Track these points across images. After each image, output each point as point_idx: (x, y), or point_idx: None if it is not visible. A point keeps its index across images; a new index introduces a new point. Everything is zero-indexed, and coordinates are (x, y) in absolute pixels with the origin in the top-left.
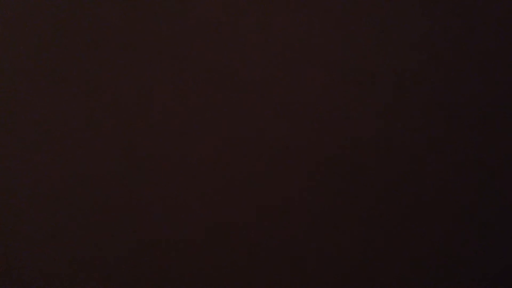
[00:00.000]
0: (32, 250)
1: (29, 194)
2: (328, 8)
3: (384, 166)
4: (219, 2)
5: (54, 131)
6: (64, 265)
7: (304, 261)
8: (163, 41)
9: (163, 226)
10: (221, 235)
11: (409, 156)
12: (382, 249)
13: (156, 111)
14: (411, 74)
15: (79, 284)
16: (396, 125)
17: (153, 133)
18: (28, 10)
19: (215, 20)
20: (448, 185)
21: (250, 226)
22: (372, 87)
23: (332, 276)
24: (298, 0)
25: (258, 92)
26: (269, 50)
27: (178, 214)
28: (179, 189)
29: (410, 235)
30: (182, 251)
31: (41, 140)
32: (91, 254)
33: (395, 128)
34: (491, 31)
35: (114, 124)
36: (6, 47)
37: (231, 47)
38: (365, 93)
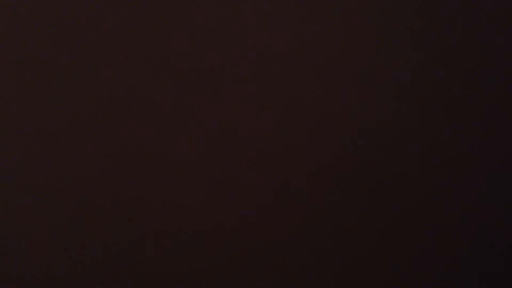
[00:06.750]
0: (32, 250)
1: (29, 193)
2: (328, 8)
3: (383, 165)
4: (219, 2)
5: (54, 130)
6: (63, 265)
7: (302, 261)
8: (162, 41)
9: (162, 226)
10: (221, 235)
11: (409, 156)
12: (382, 248)
13: (155, 110)
14: (411, 74)
15: (79, 284)
16: (396, 124)
17: (152, 132)
18: (28, 10)
19: (215, 20)
20: (448, 184)
21: (249, 226)
22: (372, 87)
23: (331, 276)
24: (298, 0)
25: (257, 91)
26: (269, 49)
27: (178, 214)
28: (179, 188)
29: (409, 234)
30: (182, 250)
31: (40, 139)
32: (90, 254)
33: (395, 127)
34: (491, 31)
35: (113, 123)
36: (6, 46)
37: (230, 47)
38: (365, 93)
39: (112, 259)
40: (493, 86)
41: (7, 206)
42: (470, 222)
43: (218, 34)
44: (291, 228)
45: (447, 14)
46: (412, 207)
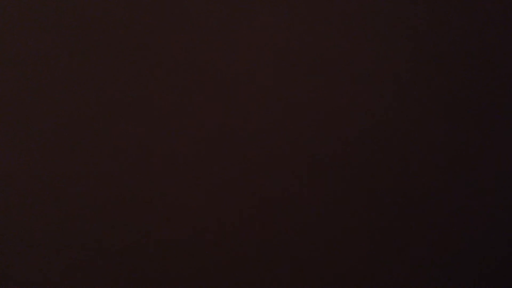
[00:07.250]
0: (31, 250)
1: (29, 193)
2: (328, 8)
3: (383, 165)
4: (219, 2)
5: (53, 130)
6: (63, 265)
7: (302, 261)
8: (162, 41)
9: (162, 226)
10: (221, 235)
11: (409, 156)
12: (382, 248)
13: (155, 110)
14: (411, 74)
15: (79, 284)
16: (396, 124)
17: (152, 132)
18: (29, 9)
19: (215, 20)
20: (448, 184)
21: (249, 226)
22: (372, 87)
23: (331, 276)
24: (297, 0)
25: (257, 91)
26: (269, 49)
27: (178, 214)
28: (179, 188)
29: (409, 234)
30: (182, 250)
31: (41, 139)
32: (90, 254)
33: (395, 127)
34: (491, 31)
35: (113, 123)
36: (6, 46)
37: (230, 47)
38: (365, 93)
39: (112, 259)
40: (493, 86)
41: (7, 206)
42: (470, 222)
43: (218, 34)
44: (291, 228)
45: (447, 14)
46: (412, 207)
